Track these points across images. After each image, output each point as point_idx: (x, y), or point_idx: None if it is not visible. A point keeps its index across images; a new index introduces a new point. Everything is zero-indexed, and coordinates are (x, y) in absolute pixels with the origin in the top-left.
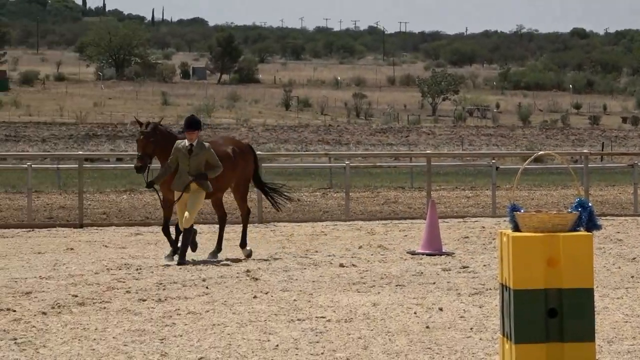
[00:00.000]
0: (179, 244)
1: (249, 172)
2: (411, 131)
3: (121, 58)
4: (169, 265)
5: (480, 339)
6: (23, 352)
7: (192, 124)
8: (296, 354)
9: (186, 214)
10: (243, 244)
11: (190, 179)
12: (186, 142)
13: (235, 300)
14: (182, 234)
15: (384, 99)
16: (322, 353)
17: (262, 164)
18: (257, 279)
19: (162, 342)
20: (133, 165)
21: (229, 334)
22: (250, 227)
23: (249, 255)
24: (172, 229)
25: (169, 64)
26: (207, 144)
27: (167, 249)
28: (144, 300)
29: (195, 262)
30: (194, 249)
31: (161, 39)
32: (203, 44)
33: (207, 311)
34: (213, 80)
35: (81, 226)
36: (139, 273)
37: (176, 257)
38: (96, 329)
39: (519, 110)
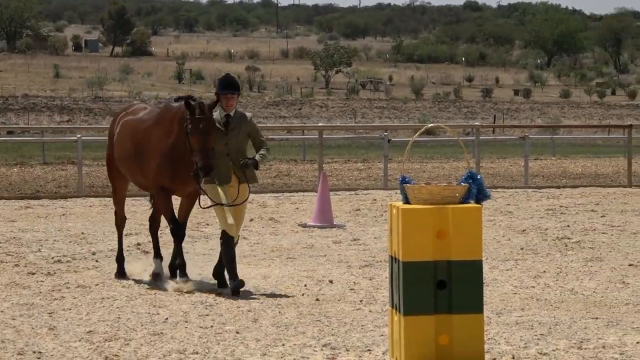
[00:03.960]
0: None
1: None
2: (304, 104)
3: (12, 30)
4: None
5: (370, 311)
6: None
7: (232, 84)
8: (186, 327)
9: (231, 219)
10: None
11: (234, 164)
12: (220, 112)
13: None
14: (225, 245)
15: (277, 71)
16: (211, 326)
17: None
18: (147, 252)
19: (50, 316)
20: (200, 165)
21: (118, 308)
22: (141, 200)
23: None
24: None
25: (61, 36)
26: (248, 114)
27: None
28: (33, 274)
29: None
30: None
31: (53, 11)
32: (96, 16)
33: (97, 285)
34: (105, 53)
35: None
36: (28, 247)
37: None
38: None
39: (411, 83)
